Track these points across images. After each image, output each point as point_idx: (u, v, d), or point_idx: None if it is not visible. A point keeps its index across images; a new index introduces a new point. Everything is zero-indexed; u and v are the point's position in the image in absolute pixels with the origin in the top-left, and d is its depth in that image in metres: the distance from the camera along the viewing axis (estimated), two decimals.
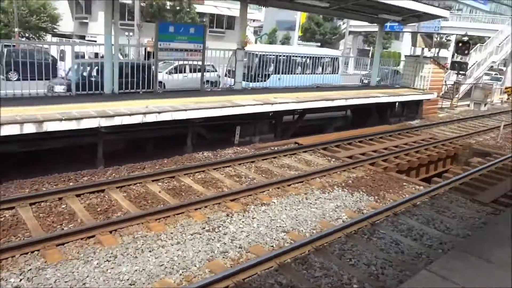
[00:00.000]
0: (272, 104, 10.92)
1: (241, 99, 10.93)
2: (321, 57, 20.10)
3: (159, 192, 7.27)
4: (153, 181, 7.70)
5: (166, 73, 16.60)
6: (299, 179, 8.37)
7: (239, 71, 13.00)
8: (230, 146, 10.66)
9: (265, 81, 15.66)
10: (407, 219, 6.95)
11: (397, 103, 16.75)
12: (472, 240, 5.03)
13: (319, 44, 46.18)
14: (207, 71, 13.87)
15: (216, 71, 16.57)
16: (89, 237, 5.50)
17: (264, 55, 16.07)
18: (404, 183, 8.91)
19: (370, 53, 44.35)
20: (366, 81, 21.66)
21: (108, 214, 6.32)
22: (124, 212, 6.38)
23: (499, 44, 30.61)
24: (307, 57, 18.81)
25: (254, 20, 54.54)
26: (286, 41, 47.63)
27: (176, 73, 16.62)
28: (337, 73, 20.90)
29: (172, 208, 6.45)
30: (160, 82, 14.60)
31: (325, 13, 20.34)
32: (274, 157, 9.92)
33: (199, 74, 12.53)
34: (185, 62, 14.26)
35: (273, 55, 16.58)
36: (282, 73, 15.44)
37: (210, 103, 9.93)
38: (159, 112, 8.63)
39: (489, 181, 9.41)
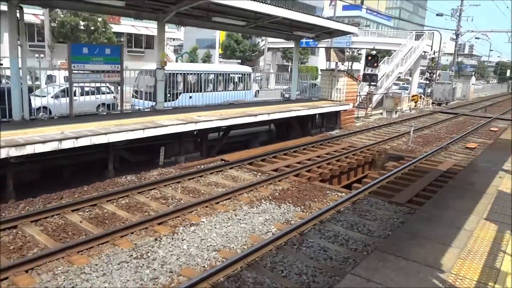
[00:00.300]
0: (196, 122, 10.86)
1: (163, 119, 10.74)
2: (233, 74, 20.00)
3: (80, 222, 6.85)
4: (73, 211, 7.25)
5: (52, 97, 13.75)
6: (227, 196, 8.37)
7: (160, 91, 12.80)
8: (155, 167, 10.39)
9: (174, 100, 15.32)
10: (333, 226, 7.23)
11: (317, 115, 17.51)
12: (391, 240, 5.36)
13: (239, 61, 47.07)
14: (102, 93, 12.70)
15: (112, 92, 15.25)
16: (1, 280, 5.01)
17: (171, 73, 15.57)
18: (328, 191, 9.28)
19: (289, 68, 46.10)
20: (287, 96, 22.38)
21: (23, 251, 5.81)
22: (41, 248, 5.91)
23: (404, 56, 33.50)
24: (218, 74, 18.57)
25: (174, 39, 54.23)
26: (207, 59, 47.91)
27: (65, 96, 12.69)
28: (249, 90, 20.82)
29: (96, 238, 6.10)
30: (45, 107, 12.78)
31: (243, 31, 20.79)
32: (201, 176, 9.84)
33: (92, 97, 11.77)
34: (76, 84, 12.00)
35: (182, 73, 16.28)
36: (193, 91, 15.22)
37: (131, 125, 9.63)
38: (76, 138, 8.18)
39: (404, 182, 10.14)
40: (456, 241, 5.02)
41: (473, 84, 50.32)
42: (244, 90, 20.22)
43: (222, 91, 17.91)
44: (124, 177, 9.52)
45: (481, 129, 19.91)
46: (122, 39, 39.14)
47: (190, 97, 15.12)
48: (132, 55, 38.11)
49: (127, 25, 38.64)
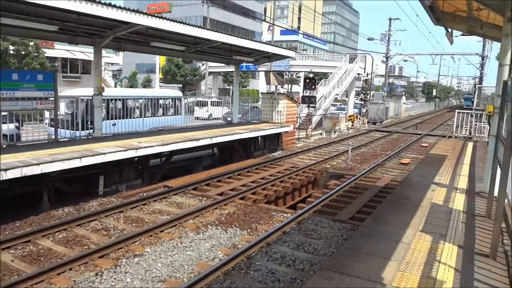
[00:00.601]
0: (137, 149, 10.59)
1: (102, 146, 10.37)
2: (161, 99, 19.14)
3: (12, 261, 6.36)
4: (3, 249, 6.72)
5: None
6: (172, 223, 8.17)
7: (97, 117, 12.39)
8: (95, 197, 9.94)
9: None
10: (280, 247, 7.27)
11: (259, 138, 17.73)
12: (335, 257, 5.48)
13: (180, 85, 46.87)
14: None
15: (13, 122, 12.70)
16: None
17: (91, 99, 14.05)
18: (273, 213, 9.36)
19: (231, 91, 46.57)
20: (229, 119, 22.48)
21: None
22: None
23: (340, 79, 35.09)
24: (146, 99, 17.31)
25: (112, 64, 53.04)
26: (147, 84, 47.22)
27: None
28: (180, 114, 19.84)
29: (29, 278, 5.68)
30: None
31: (183, 56, 20.78)
32: (144, 204, 9.55)
33: None
34: None
35: (103, 99, 14.91)
36: (117, 118, 14.49)
37: (67, 154, 9.19)
38: (5, 170, 7.66)
39: (346, 200, 10.46)
40: (395, 254, 5.23)
41: (404, 103, 53.66)
42: (174, 115, 19.37)
43: (150, 116, 16.79)
44: (61, 209, 9.01)
45: (413, 145, 21.16)
46: (56, 64, 37.60)
47: (114, 125, 14.29)
48: (68, 80, 36.65)
49: (61, 50, 37.22)
